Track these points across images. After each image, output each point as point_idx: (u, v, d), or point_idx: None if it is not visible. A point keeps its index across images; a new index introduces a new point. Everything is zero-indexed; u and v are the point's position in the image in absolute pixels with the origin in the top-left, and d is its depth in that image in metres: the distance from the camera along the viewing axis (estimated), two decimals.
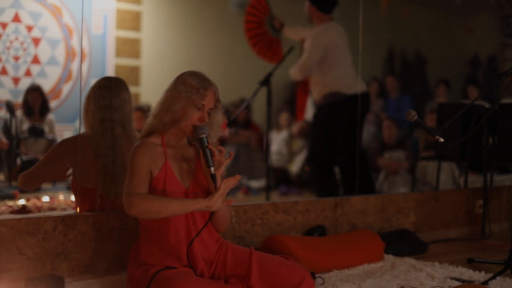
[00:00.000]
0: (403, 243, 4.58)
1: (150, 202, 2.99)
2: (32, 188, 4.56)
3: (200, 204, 3.04)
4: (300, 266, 3.34)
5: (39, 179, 4.18)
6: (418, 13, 10.37)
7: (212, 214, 3.17)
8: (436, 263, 4.15)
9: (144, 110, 6.94)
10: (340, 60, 6.15)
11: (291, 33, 6.49)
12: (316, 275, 3.64)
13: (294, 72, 6.32)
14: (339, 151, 6.21)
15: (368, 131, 8.61)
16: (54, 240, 3.58)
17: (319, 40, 6.16)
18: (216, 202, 3.05)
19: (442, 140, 3.89)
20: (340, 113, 6.15)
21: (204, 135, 3.09)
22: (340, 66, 6.15)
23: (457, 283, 3.65)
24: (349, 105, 6.09)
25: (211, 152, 3.09)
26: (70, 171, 4.04)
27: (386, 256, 4.33)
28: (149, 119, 3.19)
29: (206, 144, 3.09)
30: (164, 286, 2.89)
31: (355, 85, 6.12)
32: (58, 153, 4.00)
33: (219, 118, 3.28)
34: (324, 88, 6.23)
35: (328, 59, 6.16)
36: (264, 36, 6.52)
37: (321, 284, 3.57)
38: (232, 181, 3.08)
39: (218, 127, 3.27)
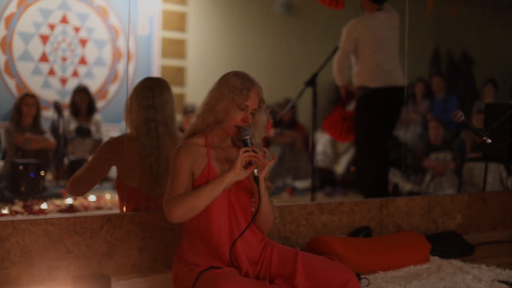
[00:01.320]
0: (449, 245, 4.53)
1: (184, 201, 2.99)
2: (82, 194, 4.55)
3: (228, 176, 3.03)
4: (345, 267, 3.33)
5: (88, 184, 4.16)
6: (465, 13, 10.28)
7: (255, 215, 3.17)
8: (483, 266, 4.09)
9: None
10: (372, 53, 6.08)
11: None
12: (362, 276, 3.61)
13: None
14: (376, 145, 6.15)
15: (414, 132, 8.56)
16: (101, 239, 3.61)
17: (349, 33, 6.11)
18: (241, 169, 3.04)
19: (490, 141, 3.85)
20: (366, 107, 6.11)
21: (248, 136, 3.08)
22: (367, 59, 6.09)
23: (505, 286, 3.61)
24: (373, 99, 6.05)
25: (255, 153, 3.09)
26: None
27: (432, 258, 4.29)
28: (193, 120, 3.20)
29: (249, 145, 3.08)
30: (209, 285, 2.90)
31: (383, 79, 6.04)
32: (104, 155, 4.02)
33: (263, 118, 3.26)
34: (356, 81, 6.20)
35: (358, 52, 6.11)
36: None
37: (366, 286, 3.55)
38: (250, 153, 3.07)
39: (262, 127, 3.26)
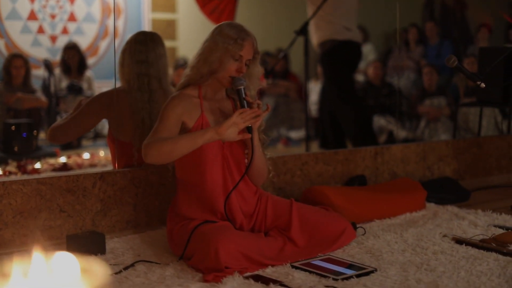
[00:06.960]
0: (445, 191, 4.51)
1: (160, 143, 2.96)
2: (62, 142, 4.56)
3: (209, 132, 2.98)
4: (340, 217, 3.33)
5: (71, 135, 4.17)
6: None
7: (248, 167, 3.15)
8: (479, 211, 4.08)
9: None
10: (336, 8, 6.05)
11: None
12: (357, 226, 3.60)
13: None
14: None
15: (408, 78, 8.52)
16: (94, 197, 3.59)
17: None
18: (227, 130, 2.98)
19: (484, 85, 3.82)
20: (335, 59, 6.13)
21: (242, 86, 3.06)
22: (333, 14, 6.07)
23: (500, 231, 3.59)
24: (341, 51, 6.06)
25: (249, 104, 3.05)
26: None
27: (428, 204, 4.28)
28: (187, 71, 3.19)
29: (243, 95, 3.05)
30: (203, 240, 2.89)
31: (348, 32, 6.04)
32: (93, 106, 3.98)
33: (258, 70, 3.25)
34: (320, 36, 6.19)
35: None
36: None
37: (363, 234, 3.54)
38: (249, 113, 3.02)
39: (257, 79, 3.24)
